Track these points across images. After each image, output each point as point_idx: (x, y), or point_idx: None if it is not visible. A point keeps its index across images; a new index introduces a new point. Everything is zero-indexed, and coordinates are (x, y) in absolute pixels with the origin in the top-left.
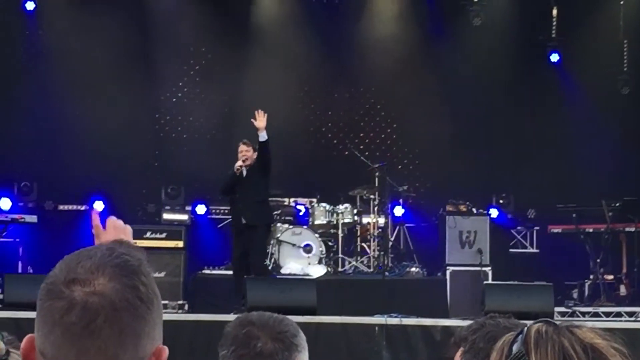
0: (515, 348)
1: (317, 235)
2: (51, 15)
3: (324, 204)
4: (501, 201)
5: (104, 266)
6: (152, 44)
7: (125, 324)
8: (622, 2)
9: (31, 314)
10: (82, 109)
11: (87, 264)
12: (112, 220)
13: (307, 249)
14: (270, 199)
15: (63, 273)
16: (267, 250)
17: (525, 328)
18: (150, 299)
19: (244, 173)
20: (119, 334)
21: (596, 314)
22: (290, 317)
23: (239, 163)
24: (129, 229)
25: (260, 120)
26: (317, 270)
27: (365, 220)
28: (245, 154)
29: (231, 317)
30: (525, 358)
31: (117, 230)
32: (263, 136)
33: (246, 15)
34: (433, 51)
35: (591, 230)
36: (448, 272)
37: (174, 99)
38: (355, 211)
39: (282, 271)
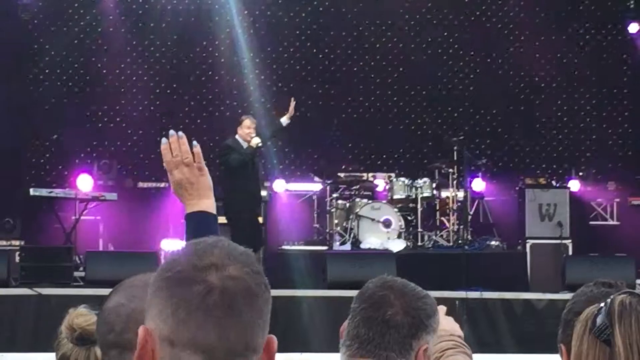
0: (599, 320)
1: (396, 209)
2: None
3: (402, 179)
4: (580, 173)
5: (234, 254)
6: None
7: (260, 307)
8: None
9: None
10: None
11: (216, 251)
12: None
13: (387, 223)
14: (348, 174)
15: (194, 260)
16: None
17: (609, 300)
18: (269, 288)
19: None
20: (254, 317)
21: None
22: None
23: (257, 140)
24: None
25: (293, 107)
26: (397, 245)
27: (444, 194)
28: (253, 131)
29: (310, 292)
30: (609, 330)
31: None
32: (286, 121)
33: None
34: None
35: None
36: (528, 245)
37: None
38: (434, 185)
39: (362, 246)
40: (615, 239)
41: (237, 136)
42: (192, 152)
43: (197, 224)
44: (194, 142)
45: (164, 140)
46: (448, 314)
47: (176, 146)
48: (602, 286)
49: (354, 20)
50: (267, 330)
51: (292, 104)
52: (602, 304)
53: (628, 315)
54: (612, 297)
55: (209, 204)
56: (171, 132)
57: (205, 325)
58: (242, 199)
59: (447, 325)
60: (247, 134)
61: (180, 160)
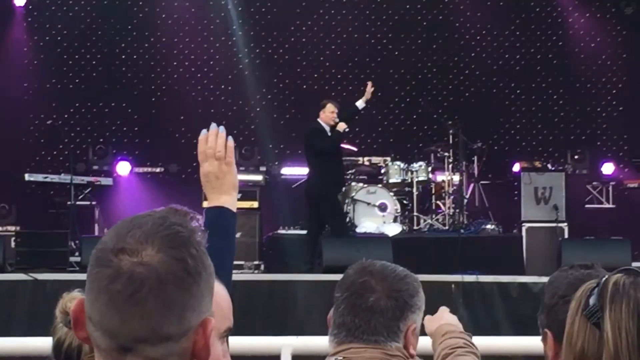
0: (591, 301)
1: (391, 193)
2: None
3: (398, 162)
4: (576, 157)
5: (153, 236)
6: None
7: (170, 295)
8: None
9: None
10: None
11: (136, 233)
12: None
13: (382, 207)
14: (344, 157)
15: (112, 241)
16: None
17: (604, 279)
18: (198, 272)
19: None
20: (162, 305)
21: None
22: None
23: (344, 125)
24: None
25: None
26: (393, 229)
27: (439, 177)
28: (336, 115)
29: (305, 276)
30: (599, 314)
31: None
32: (362, 104)
33: None
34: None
35: None
36: (524, 229)
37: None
38: (429, 169)
39: (358, 230)
40: (611, 222)
41: (319, 120)
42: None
43: (214, 219)
44: (229, 137)
45: (203, 131)
46: (444, 298)
47: (213, 139)
48: (580, 268)
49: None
50: (199, 314)
51: (370, 87)
52: (596, 283)
53: (620, 299)
54: (607, 275)
55: (229, 200)
56: (213, 125)
57: (108, 311)
58: (327, 182)
59: (453, 320)
60: (331, 117)
61: (213, 153)
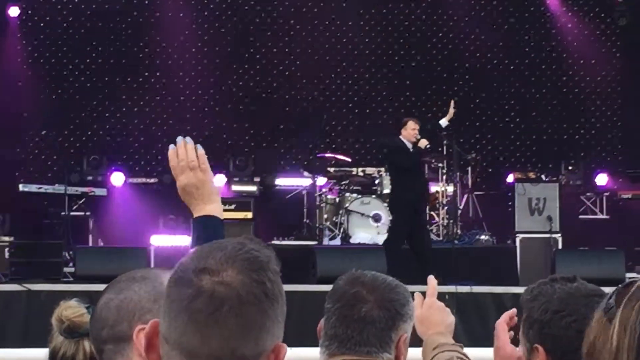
0: (611, 300)
1: (385, 204)
2: None
3: None
4: (570, 167)
5: (234, 259)
6: None
7: (249, 316)
8: None
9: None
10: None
11: (217, 255)
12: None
13: (376, 218)
14: (338, 168)
15: (194, 262)
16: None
17: (629, 280)
18: (275, 296)
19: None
20: (242, 325)
21: None
22: None
23: (426, 142)
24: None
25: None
26: None
27: (433, 188)
28: (417, 132)
29: (299, 287)
30: (614, 310)
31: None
32: (445, 123)
33: None
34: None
35: None
36: (518, 240)
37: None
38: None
39: (352, 240)
40: (604, 233)
41: (401, 137)
42: (197, 156)
43: (203, 228)
44: (198, 146)
45: (171, 146)
46: None
47: (183, 151)
48: (564, 281)
49: (334, 14)
50: (273, 338)
51: (453, 106)
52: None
53: (635, 299)
54: (633, 279)
55: (214, 208)
56: (179, 138)
57: (188, 329)
58: (409, 198)
59: (441, 322)
60: (413, 134)
61: (186, 165)
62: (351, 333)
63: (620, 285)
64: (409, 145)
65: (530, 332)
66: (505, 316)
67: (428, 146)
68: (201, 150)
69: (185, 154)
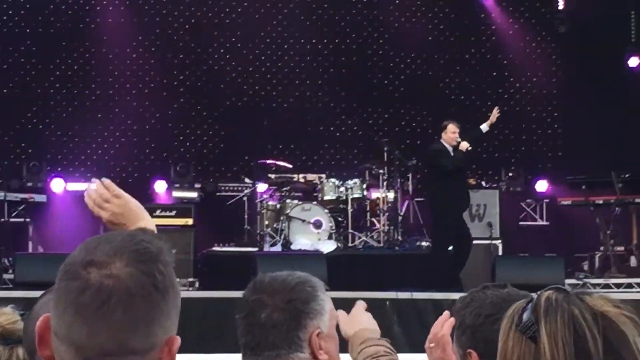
0: (525, 316)
1: (326, 210)
2: None
3: (333, 180)
4: (510, 174)
5: (123, 251)
6: None
7: (137, 309)
8: None
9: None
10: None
11: (105, 247)
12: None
13: (317, 224)
14: (279, 175)
15: (81, 255)
16: None
17: (536, 295)
18: (165, 288)
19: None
20: (131, 318)
21: (607, 286)
22: None
23: (467, 145)
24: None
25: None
26: (327, 246)
27: (374, 194)
28: (458, 135)
29: (241, 294)
30: (534, 327)
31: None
32: (486, 128)
33: None
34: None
35: (601, 201)
36: None
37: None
38: (364, 186)
39: (292, 247)
40: (544, 239)
41: (442, 140)
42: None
43: None
44: (103, 179)
45: (85, 196)
46: (379, 315)
47: (94, 193)
48: (495, 288)
49: (285, 20)
50: (166, 331)
51: (496, 112)
52: (528, 300)
53: (554, 312)
54: (538, 293)
55: (145, 223)
56: (89, 185)
57: (76, 323)
58: (453, 201)
59: (370, 323)
60: (453, 138)
61: (100, 201)
62: (258, 339)
63: (523, 302)
64: (450, 149)
65: (462, 338)
66: (442, 324)
67: (469, 148)
68: (106, 180)
69: (97, 194)
